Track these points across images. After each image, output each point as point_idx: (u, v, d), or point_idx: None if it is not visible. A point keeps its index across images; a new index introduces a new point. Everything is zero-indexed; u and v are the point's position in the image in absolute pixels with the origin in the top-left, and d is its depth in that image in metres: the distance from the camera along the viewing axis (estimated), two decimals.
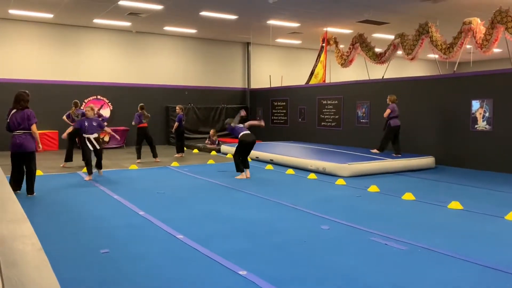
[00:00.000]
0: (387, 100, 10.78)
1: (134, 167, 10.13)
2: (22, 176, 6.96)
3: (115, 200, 6.68)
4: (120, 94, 15.42)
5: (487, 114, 9.88)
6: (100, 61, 15.57)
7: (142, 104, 11.79)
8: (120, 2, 11.74)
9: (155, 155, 11.39)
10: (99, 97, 15.31)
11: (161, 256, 4.14)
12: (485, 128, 9.91)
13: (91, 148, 8.57)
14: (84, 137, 8.64)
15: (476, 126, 10.09)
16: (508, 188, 7.71)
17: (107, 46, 15.67)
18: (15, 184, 6.84)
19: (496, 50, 12.48)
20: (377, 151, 10.66)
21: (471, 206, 6.26)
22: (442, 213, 5.93)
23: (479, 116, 10.03)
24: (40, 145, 7.12)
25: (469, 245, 4.50)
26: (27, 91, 7.15)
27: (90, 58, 15.38)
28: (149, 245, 4.49)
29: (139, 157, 11.32)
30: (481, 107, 9.97)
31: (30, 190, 6.89)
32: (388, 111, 10.48)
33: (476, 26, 10.52)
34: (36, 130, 6.87)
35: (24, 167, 6.89)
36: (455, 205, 6.23)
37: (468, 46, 11.64)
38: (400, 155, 10.27)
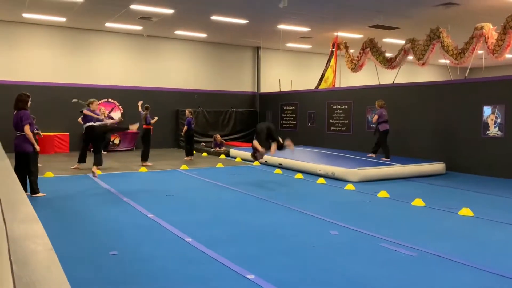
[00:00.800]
0: (376, 105, 10.87)
1: (143, 169, 10.18)
2: (23, 177, 6.90)
3: (125, 202, 6.72)
4: (130, 97, 15.53)
5: (498, 120, 9.78)
6: (111, 64, 15.71)
7: (147, 105, 11.95)
8: (131, 6, 11.86)
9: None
10: (110, 100, 15.44)
11: (169, 258, 4.15)
12: (497, 134, 9.80)
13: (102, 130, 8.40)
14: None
15: (487, 132, 9.99)
16: None
17: (119, 50, 15.82)
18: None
19: (508, 55, 12.36)
20: (386, 159, 10.40)
21: (482, 213, 6.19)
22: (453, 220, 5.87)
23: (490, 122, 9.93)
24: (36, 147, 7.01)
25: (479, 252, 4.44)
26: (27, 93, 7.24)
27: (102, 62, 15.53)
28: (158, 247, 4.50)
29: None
30: (493, 113, 9.87)
31: (31, 190, 6.94)
32: (376, 116, 10.63)
33: (488, 31, 10.44)
34: (29, 131, 6.84)
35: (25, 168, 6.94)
36: (465, 211, 6.17)
37: (480, 52, 11.54)
38: (374, 156, 10.77)
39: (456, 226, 5.54)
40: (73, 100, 12.07)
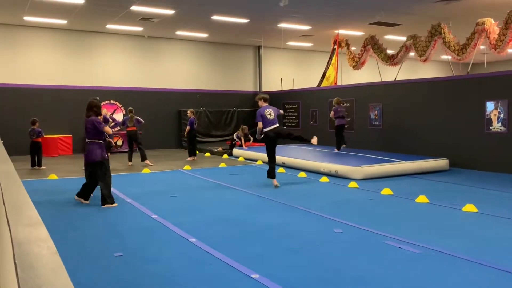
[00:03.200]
0: (333, 102, 11.95)
1: (147, 170, 10.20)
2: (92, 186, 6.81)
3: (129, 203, 6.74)
4: (132, 99, 15.56)
5: (502, 115, 9.74)
6: (113, 66, 15.74)
7: (130, 108, 12.03)
8: (132, 8, 11.87)
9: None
10: (112, 101, 15.46)
11: (173, 259, 4.16)
12: (500, 129, 9.77)
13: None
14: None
15: (490, 127, 9.95)
16: None
17: (120, 51, 15.84)
18: (83, 193, 6.77)
19: (510, 50, 12.29)
20: (337, 151, 11.86)
21: (486, 209, 6.17)
22: (457, 216, 5.85)
23: (493, 118, 9.89)
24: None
25: (484, 249, 4.43)
26: (97, 98, 7.12)
27: (103, 63, 15.56)
28: (162, 248, 4.51)
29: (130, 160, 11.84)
30: (496, 108, 9.83)
31: (102, 200, 6.54)
32: (332, 113, 11.78)
33: (489, 27, 10.40)
34: (109, 130, 6.80)
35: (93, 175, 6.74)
36: (470, 208, 6.15)
37: (482, 47, 11.50)
38: (338, 151, 11.75)
39: (460, 222, 5.53)
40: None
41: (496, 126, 9.84)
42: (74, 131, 14.40)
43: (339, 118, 11.63)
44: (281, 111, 8.58)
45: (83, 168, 10.18)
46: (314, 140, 8.21)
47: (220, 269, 3.88)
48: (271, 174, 8.13)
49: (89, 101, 6.76)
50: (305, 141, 8.35)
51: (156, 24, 13.98)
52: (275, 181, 8.09)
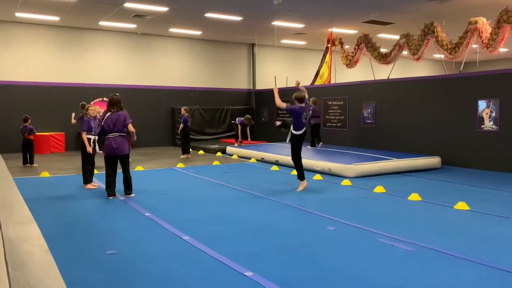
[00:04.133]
0: (310, 102, 12.15)
1: (140, 168, 10.16)
2: (113, 179, 7.01)
3: (121, 201, 6.71)
4: (126, 96, 15.45)
5: (493, 114, 9.82)
6: (106, 63, 15.65)
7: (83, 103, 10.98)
8: (125, 5, 11.80)
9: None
10: (105, 99, 15.37)
11: (167, 257, 4.15)
12: (492, 128, 9.84)
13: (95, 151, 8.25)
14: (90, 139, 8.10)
15: (482, 126, 10.03)
16: None
17: (113, 48, 15.75)
18: (112, 189, 6.97)
19: (502, 49, 12.41)
20: (311, 147, 12.54)
21: (478, 206, 6.22)
22: (449, 214, 5.89)
23: (485, 116, 9.97)
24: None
25: (476, 246, 4.47)
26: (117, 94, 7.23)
27: (96, 60, 15.46)
28: (155, 246, 4.50)
29: None
30: (488, 107, 9.91)
31: (129, 190, 7.01)
32: (310, 112, 11.93)
33: (482, 26, 10.47)
34: (132, 128, 7.00)
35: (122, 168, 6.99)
36: (461, 205, 6.19)
37: (474, 46, 11.57)
38: (313, 147, 12.38)
39: (453, 220, 5.57)
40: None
41: (488, 124, 9.91)
42: (67, 128, 14.31)
43: (315, 117, 12.41)
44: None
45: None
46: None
47: (213, 267, 3.87)
48: (302, 175, 7.61)
49: (112, 97, 7.04)
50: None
51: (149, 21, 13.91)
52: (305, 182, 7.61)
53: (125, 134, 6.89)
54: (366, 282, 3.53)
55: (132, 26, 14.68)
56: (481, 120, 10.04)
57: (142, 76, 16.30)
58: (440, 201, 6.66)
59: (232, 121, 13.90)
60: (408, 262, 3.99)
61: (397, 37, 13.43)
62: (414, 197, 6.84)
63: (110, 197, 6.92)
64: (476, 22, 10.55)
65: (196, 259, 4.10)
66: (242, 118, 13.78)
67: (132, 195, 7.02)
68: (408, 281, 3.55)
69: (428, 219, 5.60)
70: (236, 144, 13.65)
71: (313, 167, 9.72)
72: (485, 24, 10.50)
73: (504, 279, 3.59)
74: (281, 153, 11.32)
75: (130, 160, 7.19)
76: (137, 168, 10.17)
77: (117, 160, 6.91)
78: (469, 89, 10.33)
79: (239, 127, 13.71)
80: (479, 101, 10.08)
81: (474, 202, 6.43)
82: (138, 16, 13.20)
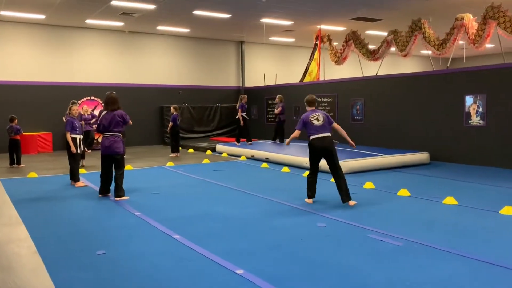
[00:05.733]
0: (277, 99, 13.17)
1: (129, 167, 10.10)
2: (109, 180, 6.94)
3: (110, 201, 6.66)
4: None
5: (480, 109, 9.93)
6: (93, 61, 15.50)
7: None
8: (112, 2, 11.69)
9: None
10: (93, 97, 15.23)
11: (157, 256, 4.13)
12: (479, 123, 9.96)
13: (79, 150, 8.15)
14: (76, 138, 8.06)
15: (469, 121, 10.14)
16: (502, 183, 7.76)
17: (100, 47, 15.60)
18: (105, 188, 6.94)
19: (488, 45, 12.53)
20: (274, 141, 13.37)
21: (466, 201, 6.30)
22: (437, 209, 5.96)
23: (472, 112, 10.08)
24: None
25: (465, 240, 4.52)
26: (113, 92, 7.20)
27: (83, 59, 15.31)
28: (146, 245, 4.48)
29: None
30: (475, 102, 10.02)
31: (117, 194, 6.71)
32: (279, 109, 13.02)
33: (468, 22, 10.57)
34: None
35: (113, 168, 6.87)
36: (450, 200, 6.26)
37: (461, 42, 11.68)
38: (275, 142, 13.18)
39: (441, 215, 5.62)
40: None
41: (475, 120, 10.03)
42: (54, 128, 14.15)
43: (283, 114, 13.17)
44: (334, 123, 6.62)
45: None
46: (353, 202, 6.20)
47: (204, 265, 3.87)
48: (309, 189, 6.42)
49: (109, 96, 6.95)
50: (347, 195, 6.21)
51: (137, 19, 13.80)
52: (309, 200, 6.41)
53: (119, 134, 6.80)
54: (356, 278, 3.56)
55: (119, 24, 14.55)
56: (468, 115, 10.15)
57: (130, 75, 16.17)
58: (428, 196, 6.72)
59: (237, 117, 13.30)
60: (398, 257, 4.03)
61: (385, 33, 13.50)
62: (403, 192, 6.89)
63: (100, 195, 6.94)
64: (462, 19, 10.65)
65: (187, 257, 4.09)
66: (241, 103, 13.08)
67: (123, 198, 6.68)
68: (398, 276, 3.58)
69: (417, 214, 5.65)
70: (247, 143, 13.01)
71: (302, 164, 9.75)
72: (471, 21, 10.60)
73: (493, 273, 3.64)
74: (271, 150, 11.33)
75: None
76: (126, 167, 10.08)
77: (110, 159, 6.81)
78: (456, 85, 10.43)
79: (242, 121, 13.03)
80: (466, 97, 10.18)
81: (462, 197, 6.50)
82: (125, 13, 13.09)
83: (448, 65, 11.78)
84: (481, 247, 4.29)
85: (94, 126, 10.50)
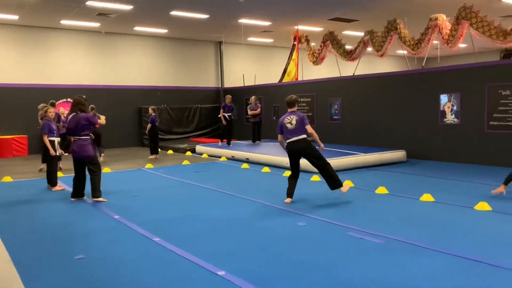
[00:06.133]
0: (254, 100, 13.33)
1: (107, 170, 9.95)
2: (82, 183, 6.90)
3: (88, 204, 6.56)
4: (91, 96, 15.05)
5: (455, 108, 10.16)
6: (70, 63, 15.22)
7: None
8: (88, 3, 11.50)
9: None
10: (69, 99, 14.94)
11: (137, 260, 4.09)
12: (454, 121, 10.19)
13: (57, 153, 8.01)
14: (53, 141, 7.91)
15: (444, 119, 10.36)
16: (476, 179, 7.96)
17: (76, 48, 15.34)
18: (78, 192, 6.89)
19: (461, 45, 12.84)
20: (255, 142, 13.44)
21: (442, 198, 6.43)
22: (415, 206, 6.07)
23: (447, 110, 10.31)
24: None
25: (442, 236, 4.62)
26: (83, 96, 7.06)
27: (59, 60, 15.02)
28: (125, 249, 4.42)
29: None
30: (449, 101, 10.25)
31: (94, 193, 6.68)
32: (259, 109, 13.31)
33: (442, 22, 10.79)
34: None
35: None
36: (427, 197, 6.39)
37: (435, 42, 11.93)
38: (256, 143, 13.37)
39: (419, 211, 5.73)
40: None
41: (450, 118, 10.26)
42: (29, 131, 13.84)
43: (261, 114, 13.55)
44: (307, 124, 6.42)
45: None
46: (345, 188, 6.34)
47: (185, 268, 3.85)
48: (288, 190, 6.43)
49: (74, 98, 6.90)
50: (334, 183, 6.32)
51: (113, 19, 13.62)
52: (287, 200, 6.39)
53: (86, 137, 6.71)
54: (337, 276, 3.59)
55: (95, 25, 14.33)
56: (443, 113, 10.37)
57: (108, 76, 15.95)
58: (406, 193, 6.84)
59: (219, 116, 13.32)
60: (377, 255, 4.09)
61: (361, 34, 13.67)
62: (382, 190, 7.00)
63: (72, 199, 6.85)
64: (436, 19, 10.87)
65: (167, 260, 4.06)
66: (225, 104, 12.99)
67: (101, 199, 6.69)
68: (378, 273, 3.63)
69: (395, 212, 5.75)
70: (227, 145, 12.83)
71: (283, 163, 9.79)
72: (445, 21, 10.83)
73: (470, 268, 3.73)
74: (252, 151, 11.34)
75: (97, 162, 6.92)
76: (104, 170, 9.93)
77: (80, 163, 6.76)
78: (431, 84, 10.65)
79: (224, 121, 12.92)
80: (441, 96, 10.41)
81: (438, 194, 6.64)
82: (101, 14, 12.90)
83: (423, 65, 12.01)
84: (458, 242, 4.39)
85: None
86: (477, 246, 4.27)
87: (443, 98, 10.38)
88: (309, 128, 6.41)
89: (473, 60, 10.62)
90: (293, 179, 6.46)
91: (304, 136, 6.32)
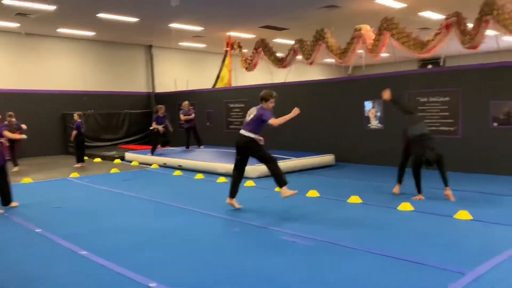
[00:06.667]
0: (188, 105, 13.27)
1: (28, 180, 9.29)
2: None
3: (5, 217, 6.07)
4: (9, 101, 14.02)
5: (378, 114, 10.74)
6: None
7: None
8: (4, 1, 10.71)
9: None
10: None
11: (62, 275, 3.84)
12: (377, 126, 10.76)
13: None
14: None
15: (369, 125, 10.91)
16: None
17: None
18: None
19: (384, 54, 13.61)
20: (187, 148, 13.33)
21: (369, 199, 6.74)
22: (344, 208, 6.30)
23: (371, 116, 10.87)
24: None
25: (370, 237, 4.83)
26: None
27: None
28: (48, 264, 4.14)
29: None
30: (373, 107, 10.82)
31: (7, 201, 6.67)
32: (194, 115, 13.23)
33: (366, 33, 11.38)
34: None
35: None
36: (355, 199, 6.66)
37: (360, 51, 12.54)
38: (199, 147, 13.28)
39: (348, 213, 5.96)
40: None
41: (374, 123, 10.82)
42: None
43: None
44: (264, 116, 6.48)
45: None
46: (285, 193, 6.05)
47: (115, 281, 3.67)
48: (230, 187, 6.30)
49: None
50: (278, 183, 6.12)
51: (35, 20, 12.79)
52: (229, 200, 6.25)
53: None
54: (271, 280, 3.62)
55: (15, 25, 13.38)
56: (368, 119, 10.92)
57: (28, 80, 14.93)
58: (335, 196, 7.09)
59: (151, 128, 12.91)
60: (309, 257, 4.17)
61: (292, 42, 14.03)
62: (313, 193, 7.19)
63: None
64: (360, 29, 11.43)
65: (96, 274, 3.85)
66: (158, 115, 12.69)
67: (13, 204, 6.57)
68: (311, 275, 3.71)
69: (326, 214, 5.93)
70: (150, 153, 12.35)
71: (217, 169, 9.74)
72: (368, 31, 11.43)
73: (398, 267, 3.92)
74: (184, 157, 11.17)
75: (8, 170, 6.60)
76: (24, 181, 9.26)
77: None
78: (357, 91, 11.19)
79: (155, 128, 12.45)
80: (365, 102, 10.96)
81: (365, 195, 6.95)
82: (21, 14, 12.07)
83: (349, 72, 12.58)
84: (385, 242, 4.61)
85: None
86: (404, 244, 4.51)
87: (368, 104, 10.93)
88: (272, 121, 6.32)
89: (394, 69, 11.29)
90: (234, 171, 6.32)
91: (251, 135, 6.18)
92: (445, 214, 5.71)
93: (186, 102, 13.42)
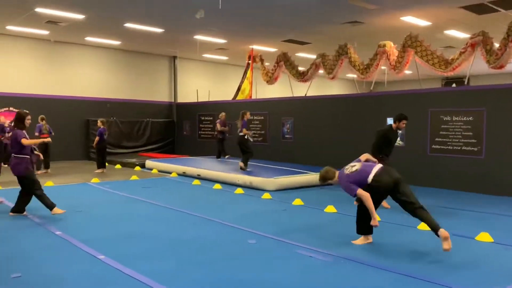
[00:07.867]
0: (223, 116, 13.32)
1: (50, 183, 9.49)
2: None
3: (28, 219, 6.20)
4: (36, 106, 14.41)
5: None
6: (15, 70, 14.52)
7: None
8: (37, 9, 11.09)
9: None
10: (11, 108, 14.21)
11: (80, 278, 3.90)
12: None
13: None
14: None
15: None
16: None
17: (22, 55, 14.68)
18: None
19: (407, 71, 13.51)
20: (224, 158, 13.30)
21: (389, 218, 6.64)
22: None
23: None
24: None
25: (390, 255, 4.75)
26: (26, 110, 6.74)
27: (4, 67, 14.29)
28: (67, 267, 4.21)
29: None
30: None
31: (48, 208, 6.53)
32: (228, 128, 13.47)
33: (389, 49, 11.34)
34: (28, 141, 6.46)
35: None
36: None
37: (383, 67, 12.50)
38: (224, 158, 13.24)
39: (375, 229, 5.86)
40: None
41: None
42: None
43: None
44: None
45: None
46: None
47: (130, 286, 3.71)
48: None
49: (16, 112, 6.77)
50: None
51: (64, 28, 13.19)
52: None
53: (21, 156, 6.43)
54: None
55: (45, 32, 13.82)
56: None
57: (55, 86, 15.35)
58: (353, 212, 6.99)
59: (241, 133, 10.90)
60: (326, 273, 4.14)
61: (314, 56, 14.07)
62: (330, 209, 7.14)
63: (10, 213, 6.53)
64: (384, 45, 11.41)
65: (112, 279, 3.90)
66: (222, 120, 13.28)
67: (55, 210, 6.49)
68: None
69: (343, 231, 5.87)
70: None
71: (234, 180, 9.77)
72: (392, 48, 11.39)
73: (421, 286, 3.85)
74: (203, 167, 11.24)
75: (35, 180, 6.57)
76: (46, 184, 9.47)
77: (18, 179, 6.57)
78: (378, 107, 11.11)
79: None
80: (388, 119, 10.86)
81: (385, 214, 6.84)
82: (51, 22, 12.47)
83: (371, 88, 12.51)
84: (405, 262, 4.53)
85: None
86: (423, 265, 4.43)
87: (389, 121, 10.83)
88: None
89: (417, 86, 11.19)
90: None
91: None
92: (466, 235, 5.59)
93: (224, 114, 13.48)
